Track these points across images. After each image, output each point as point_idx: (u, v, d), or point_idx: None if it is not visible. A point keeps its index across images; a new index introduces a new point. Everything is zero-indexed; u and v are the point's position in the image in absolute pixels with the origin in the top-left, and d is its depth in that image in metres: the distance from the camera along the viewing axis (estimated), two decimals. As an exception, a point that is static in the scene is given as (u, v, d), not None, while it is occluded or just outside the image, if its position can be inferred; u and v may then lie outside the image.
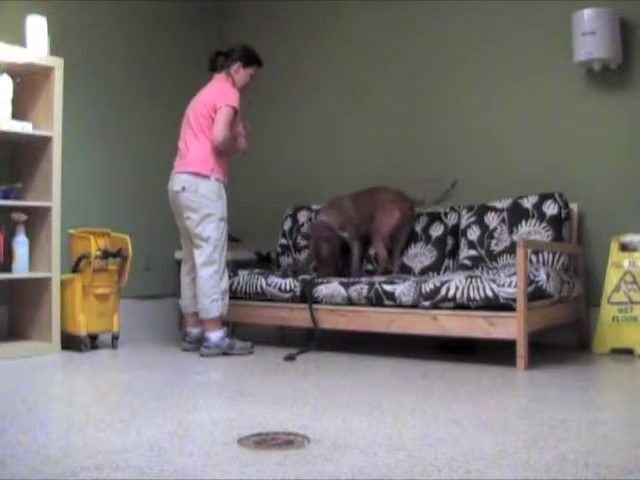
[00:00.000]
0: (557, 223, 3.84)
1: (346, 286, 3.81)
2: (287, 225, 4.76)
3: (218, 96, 3.82)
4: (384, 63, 4.79)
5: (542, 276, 3.33)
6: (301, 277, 4.03)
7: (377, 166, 4.76)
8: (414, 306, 3.61)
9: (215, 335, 3.74)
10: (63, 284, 3.86)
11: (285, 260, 4.69)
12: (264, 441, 2.04)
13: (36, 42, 3.85)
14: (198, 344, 3.94)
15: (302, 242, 4.61)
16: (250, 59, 3.98)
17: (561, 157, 4.11)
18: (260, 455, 1.91)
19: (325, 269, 4.18)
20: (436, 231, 4.22)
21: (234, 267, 4.43)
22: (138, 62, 4.80)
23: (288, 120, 5.20)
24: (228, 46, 4.06)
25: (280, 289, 4.03)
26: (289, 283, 4.02)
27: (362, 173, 4.81)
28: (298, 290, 3.97)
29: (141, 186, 4.72)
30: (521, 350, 3.24)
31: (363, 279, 3.84)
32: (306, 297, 3.91)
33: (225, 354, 3.71)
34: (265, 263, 4.89)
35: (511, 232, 3.93)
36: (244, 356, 3.71)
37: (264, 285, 4.09)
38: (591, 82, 4.04)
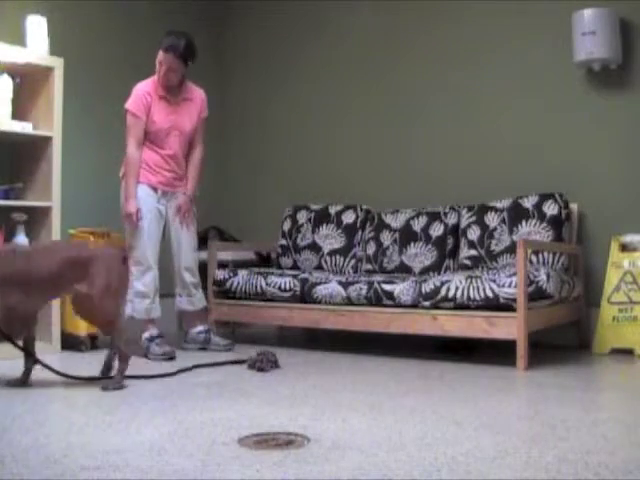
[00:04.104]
0: (557, 223, 3.84)
1: (345, 286, 3.82)
2: (287, 225, 4.76)
3: None
4: (384, 62, 4.79)
5: (542, 276, 3.33)
6: None
7: (377, 165, 4.77)
8: (414, 306, 3.61)
9: (143, 335, 3.76)
10: (63, 284, 3.86)
11: (285, 261, 4.68)
12: (264, 441, 2.04)
13: (36, 42, 3.85)
14: (197, 344, 3.95)
15: None
16: (161, 40, 3.75)
17: (561, 157, 4.11)
18: (260, 455, 1.91)
19: None
20: (436, 231, 4.21)
21: (234, 267, 4.43)
22: (138, 62, 4.79)
23: (288, 120, 5.20)
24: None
25: (280, 288, 4.03)
26: (289, 282, 4.02)
27: (362, 173, 4.82)
28: (298, 289, 3.98)
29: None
30: (521, 350, 3.24)
31: (362, 278, 3.84)
32: (305, 299, 3.93)
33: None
34: (265, 263, 4.90)
35: (511, 232, 3.93)
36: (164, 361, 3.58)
37: (264, 285, 4.09)
38: (591, 82, 4.04)
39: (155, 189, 3.80)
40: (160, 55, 3.73)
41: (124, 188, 3.76)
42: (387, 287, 3.68)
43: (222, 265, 4.43)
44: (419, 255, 4.20)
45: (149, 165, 3.79)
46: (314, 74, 5.10)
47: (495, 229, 4.00)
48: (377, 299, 3.70)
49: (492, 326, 3.36)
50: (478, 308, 3.41)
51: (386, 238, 4.35)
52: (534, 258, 3.78)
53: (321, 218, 4.64)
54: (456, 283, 3.46)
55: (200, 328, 3.98)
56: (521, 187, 4.08)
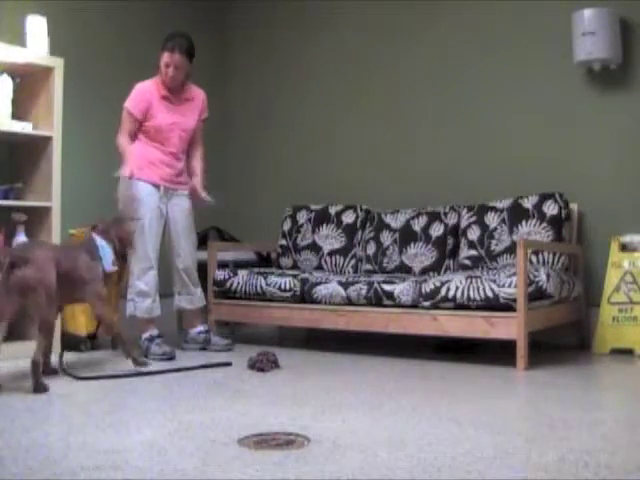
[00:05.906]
0: (557, 223, 3.84)
1: (345, 286, 3.82)
2: (287, 225, 4.76)
3: None
4: (384, 62, 4.78)
5: (542, 276, 3.33)
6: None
7: (377, 165, 4.77)
8: (414, 306, 3.61)
9: (143, 335, 3.75)
10: (63, 284, 3.86)
11: (285, 261, 4.68)
12: (264, 441, 2.04)
13: (36, 42, 3.85)
14: (197, 344, 3.95)
15: None
16: (162, 44, 3.80)
17: (561, 157, 4.11)
18: (260, 455, 1.91)
19: None
20: (436, 231, 4.21)
21: (234, 267, 4.43)
22: (138, 62, 4.79)
23: (288, 120, 5.20)
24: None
25: (280, 288, 4.03)
26: (289, 282, 4.02)
27: (362, 173, 4.81)
28: (298, 289, 3.98)
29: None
30: (521, 350, 3.24)
31: (362, 278, 3.84)
32: (305, 299, 3.93)
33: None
34: (265, 263, 4.89)
35: (511, 232, 3.93)
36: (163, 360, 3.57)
37: (264, 285, 4.09)
38: (591, 82, 4.04)
39: (157, 186, 3.79)
40: (166, 57, 3.74)
41: (121, 154, 3.71)
42: (387, 287, 3.68)
43: (222, 265, 4.43)
44: (419, 255, 4.20)
45: (150, 161, 3.78)
46: (314, 74, 5.09)
47: (495, 229, 3.99)
48: (377, 299, 3.70)
49: (492, 326, 3.36)
50: (478, 308, 3.41)
51: (386, 238, 4.35)
52: (534, 258, 3.78)
53: (321, 218, 4.64)
54: (456, 283, 3.46)
55: (200, 328, 3.98)
56: (521, 187, 4.08)
